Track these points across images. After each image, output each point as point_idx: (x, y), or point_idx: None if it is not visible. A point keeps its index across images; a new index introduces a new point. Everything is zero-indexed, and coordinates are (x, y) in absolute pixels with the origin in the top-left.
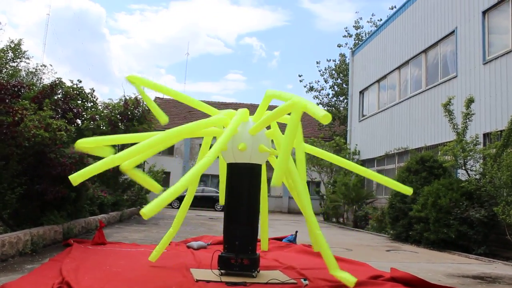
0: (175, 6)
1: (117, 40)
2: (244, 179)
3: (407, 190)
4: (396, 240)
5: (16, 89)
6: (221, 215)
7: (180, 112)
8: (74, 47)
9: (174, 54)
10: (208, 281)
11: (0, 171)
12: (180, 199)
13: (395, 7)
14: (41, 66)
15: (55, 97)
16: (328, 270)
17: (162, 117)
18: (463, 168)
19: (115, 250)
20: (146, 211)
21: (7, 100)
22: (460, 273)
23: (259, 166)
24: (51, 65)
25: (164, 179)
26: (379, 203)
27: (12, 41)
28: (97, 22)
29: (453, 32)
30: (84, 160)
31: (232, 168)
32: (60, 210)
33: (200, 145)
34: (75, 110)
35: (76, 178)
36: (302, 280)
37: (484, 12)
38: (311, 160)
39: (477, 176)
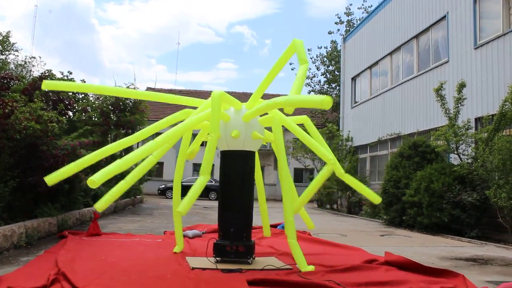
0: None
1: (107, 30)
2: (238, 167)
3: (376, 199)
4: (390, 225)
5: (5, 81)
6: (215, 204)
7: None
8: (63, 38)
9: (164, 44)
10: (204, 269)
11: None
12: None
13: None
14: (30, 58)
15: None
16: (324, 256)
17: None
18: (455, 152)
19: (110, 241)
20: (96, 179)
21: None
22: (453, 255)
23: (252, 153)
24: (40, 57)
25: (158, 170)
26: (373, 189)
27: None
28: (86, 12)
29: (444, 17)
30: (76, 151)
31: (226, 156)
32: (54, 202)
33: (194, 135)
34: (66, 102)
35: (53, 178)
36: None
37: None
38: (305, 148)
39: (469, 160)
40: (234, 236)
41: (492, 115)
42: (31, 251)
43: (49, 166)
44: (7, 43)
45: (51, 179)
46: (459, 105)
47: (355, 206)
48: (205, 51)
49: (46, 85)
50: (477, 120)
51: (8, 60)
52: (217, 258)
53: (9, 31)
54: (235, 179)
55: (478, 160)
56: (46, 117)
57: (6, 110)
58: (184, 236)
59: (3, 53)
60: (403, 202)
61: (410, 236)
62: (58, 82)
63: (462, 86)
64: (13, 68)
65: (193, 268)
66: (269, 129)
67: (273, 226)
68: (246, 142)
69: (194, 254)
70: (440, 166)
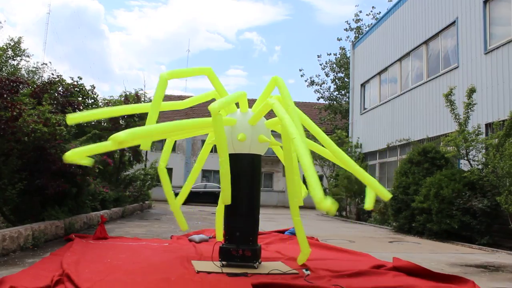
0: (174, 1)
1: (117, 37)
2: (244, 170)
3: (386, 195)
4: (399, 232)
5: (14, 84)
6: None
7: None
8: (73, 44)
9: (174, 50)
10: (209, 273)
11: (0, 166)
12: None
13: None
14: (41, 64)
15: (54, 93)
16: (331, 261)
17: None
18: (465, 158)
19: (116, 244)
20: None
21: (5, 95)
22: (463, 262)
23: (258, 157)
24: (50, 62)
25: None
26: None
27: (12, 39)
28: (96, 19)
29: (454, 22)
30: None
31: (232, 159)
32: (61, 206)
33: (203, 141)
34: (74, 105)
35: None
36: (304, 270)
37: (485, 2)
38: (313, 154)
39: (480, 166)
40: (240, 240)
41: (503, 121)
42: (37, 253)
43: (56, 169)
44: (18, 49)
45: (73, 118)
46: (469, 110)
47: (364, 212)
48: (215, 57)
49: (71, 119)
50: (488, 125)
51: (20, 66)
52: (223, 262)
53: (20, 37)
54: (241, 182)
55: (489, 166)
56: (54, 120)
57: (14, 113)
58: (191, 240)
59: (15, 58)
60: (412, 209)
61: (419, 243)
62: (82, 114)
63: (472, 91)
64: (24, 74)
65: (198, 272)
66: (274, 133)
67: (281, 231)
68: (252, 146)
69: (200, 258)
70: (450, 172)
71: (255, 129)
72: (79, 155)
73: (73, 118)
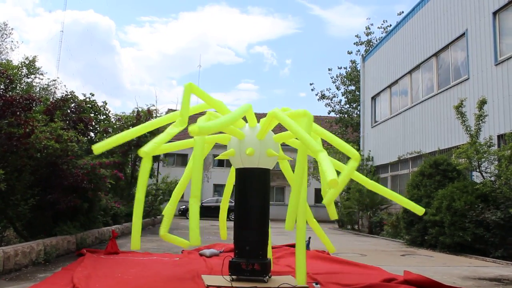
0: (184, 17)
1: (128, 52)
2: (253, 184)
3: (419, 210)
4: (412, 245)
5: (27, 102)
6: None
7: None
8: (85, 61)
9: (185, 65)
10: (219, 287)
11: (13, 182)
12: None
13: (403, 13)
14: (52, 81)
15: (67, 110)
16: (341, 275)
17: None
18: (478, 170)
19: (127, 259)
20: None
21: (18, 113)
22: (476, 275)
23: (267, 171)
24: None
25: None
26: (394, 209)
27: (27, 58)
28: (107, 35)
29: (463, 34)
30: (96, 171)
31: (240, 173)
32: (73, 221)
33: (214, 155)
34: (86, 121)
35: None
36: (314, 284)
37: (494, 13)
38: None
39: (492, 178)
40: (249, 254)
41: None
42: (49, 268)
43: (68, 184)
44: (33, 67)
45: (99, 148)
46: (480, 122)
47: (376, 226)
48: (226, 71)
49: (97, 149)
50: (500, 137)
51: (34, 84)
52: (233, 276)
53: (35, 56)
54: (250, 196)
55: (502, 178)
56: (66, 137)
57: (27, 130)
58: (202, 255)
59: (29, 76)
60: (424, 222)
61: (432, 256)
62: (106, 141)
63: (483, 103)
64: (38, 92)
65: (208, 286)
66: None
67: (292, 245)
68: (261, 160)
69: (210, 273)
70: (462, 185)
71: (263, 143)
72: (155, 148)
73: (99, 147)
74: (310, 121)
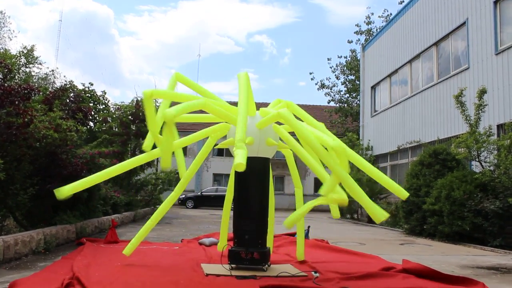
0: (183, 5)
1: (127, 41)
2: (252, 173)
3: (403, 194)
4: (410, 234)
5: (26, 91)
6: None
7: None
8: (83, 50)
9: (184, 54)
10: (218, 275)
11: (12, 172)
12: (193, 199)
13: (403, 1)
14: (51, 71)
15: (66, 99)
16: (340, 263)
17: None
18: (477, 159)
19: None
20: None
21: (16, 102)
22: (474, 264)
23: (267, 160)
24: (57, 68)
25: (178, 179)
26: (393, 198)
27: (25, 47)
28: (106, 24)
29: (464, 23)
30: (95, 160)
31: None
32: (73, 210)
33: (214, 144)
34: (85, 110)
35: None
36: (313, 272)
37: (495, 2)
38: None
39: (491, 168)
40: (249, 243)
41: None
42: (49, 257)
43: (68, 174)
44: (31, 56)
45: (68, 190)
46: (480, 111)
47: None
48: (225, 61)
49: (64, 193)
50: (499, 126)
51: (32, 74)
52: (232, 265)
53: (33, 45)
54: (249, 185)
55: (501, 167)
56: (65, 126)
57: (26, 119)
58: (201, 244)
59: (27, 66)
60: (423, 211)
61: (430, 245)
62: (73, 185)
63: (482, 92)
64: (37, 81)
65: (207, 275)
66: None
67: (291, 234)
68: (260, 149)
69: (210, 261)
70: (461, 174)
71: (263, 132)
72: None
73: (65, 191)
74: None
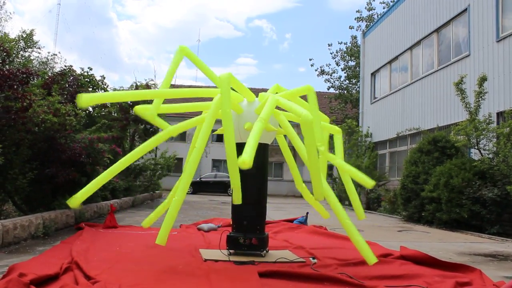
0: None
1: (125, 25)
2: None
3: (368, 183)
4: (409, 221)
5: (24, 75)
6: None
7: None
8: (82, 34)
9: (183, 39)
10: (216, 261)
11: (11, 156)
12: (193, 184)
13: None
14: (52, 55)
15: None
16: (338, 250)
17: None
18: (476, 147)
19: (125, 233)
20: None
21: (15, 86)
22: (471, 251)
23: (265, 145)
24: (59, 53)
25: (176, 165)
26: (392, 185)
27: (24, 31)
28: (104, 8)
29: (465, 10)
30: (94, 144)
31: (239, 148)
32: (72, 195)
33: (213, 130)
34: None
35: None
36: (311, 258)
37: None
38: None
39: (490, 155)
40: (247, 228)
41: None
42: (48, 241)
43: (66, 158)
44: (30, 40)
45: (80, 197)
46: (480, 99)
47: (373, 202)
48: (225, 45)
49: (84, 101)
50: (499, 114)
51: (32, 58)
52: (230, 251)
53: (33, 29)
54: (248, 171)
55: (500, 155)
56: (64, 111)
57: (25, 104)
58: (200, 229)
59: (26, 50)
60: (422, 198)
61: (428, 232)
62: (93, 95)
63: (483, 79)
64: (36, 66)
65: (205, 260)
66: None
67: (289, 220)
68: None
69: (208, 247)
70: (460, 161)
71: None
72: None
73: (86, 99)
74: (314, 97)
